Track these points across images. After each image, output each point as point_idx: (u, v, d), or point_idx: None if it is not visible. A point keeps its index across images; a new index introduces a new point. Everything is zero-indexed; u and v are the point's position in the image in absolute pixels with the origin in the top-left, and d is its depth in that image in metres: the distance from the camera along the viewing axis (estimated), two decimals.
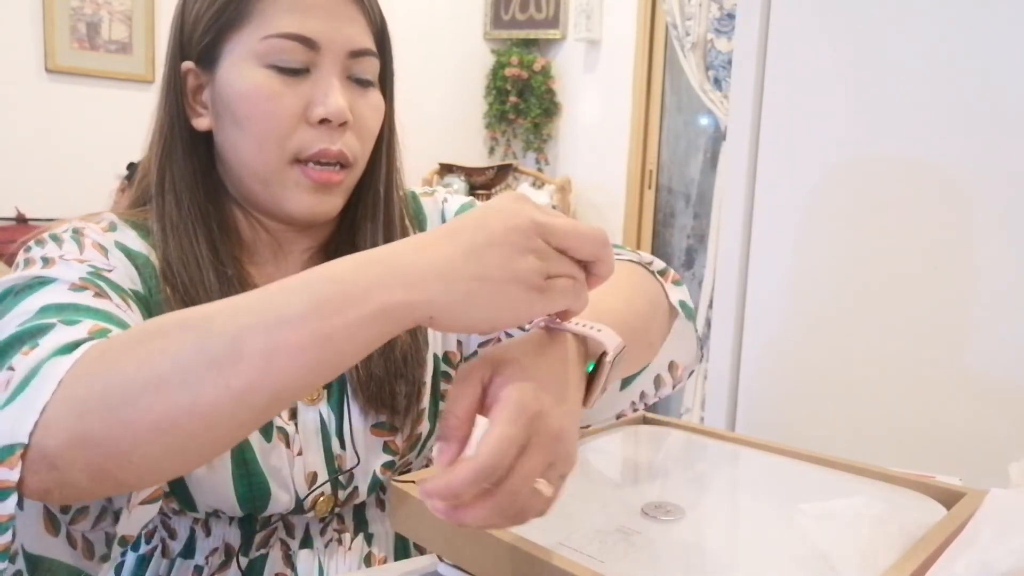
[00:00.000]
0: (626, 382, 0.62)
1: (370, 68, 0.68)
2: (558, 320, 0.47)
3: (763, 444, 0.70)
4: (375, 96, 0.69)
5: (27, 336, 0.47)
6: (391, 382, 0.67)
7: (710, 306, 2.71)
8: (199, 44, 0.65)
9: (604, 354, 0.46)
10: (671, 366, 0.64)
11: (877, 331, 1.00)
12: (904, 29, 0.96)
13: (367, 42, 0.67)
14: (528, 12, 3.66)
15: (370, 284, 0.40)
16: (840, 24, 1.02)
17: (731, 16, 2.65)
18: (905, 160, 0.97)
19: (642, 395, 0.64)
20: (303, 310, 0.40)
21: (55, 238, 0.61)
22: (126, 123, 2.70)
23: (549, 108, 3.67)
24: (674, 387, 0.66)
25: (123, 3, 2.86)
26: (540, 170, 3.72)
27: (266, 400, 0.41)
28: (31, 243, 0.61)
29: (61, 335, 0.46)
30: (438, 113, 3.62)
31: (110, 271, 0.59)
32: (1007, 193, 0.88)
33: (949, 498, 0.58)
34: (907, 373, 0.97)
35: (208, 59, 0.65)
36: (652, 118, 3.29)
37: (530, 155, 3.80)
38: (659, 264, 0.65)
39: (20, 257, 0.60)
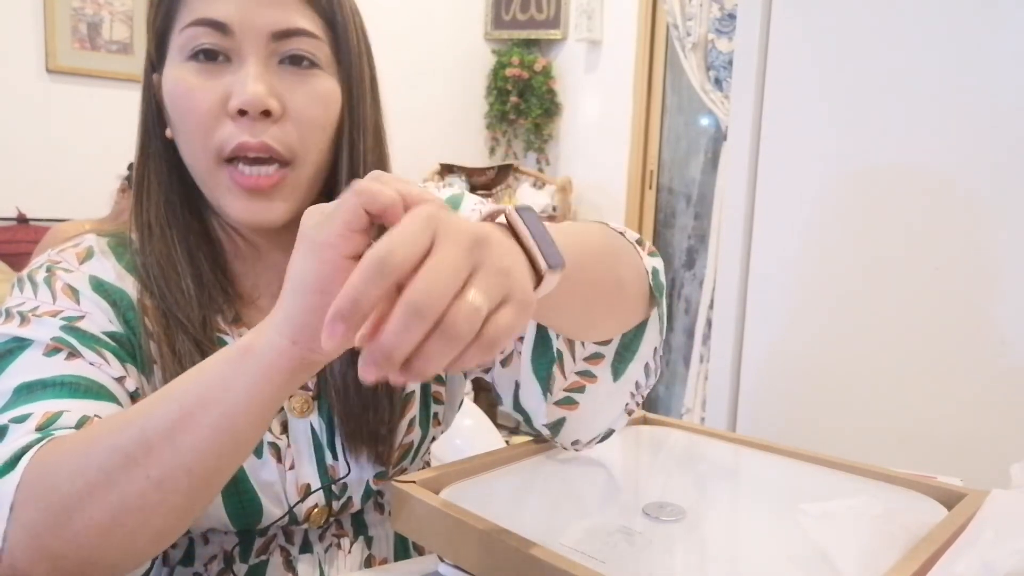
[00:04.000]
0: (618, 372, 0.60)
1: (306, 48, 0.61)
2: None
3: (764, 444, 0.70)
4: (318, 81, 0.62)
5: None
6: (369, 420, 0.66)
7: (711, 307, 2.71)
8: (154, 52, 0.64)
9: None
10: (654, 352, 0.63)
11: (878, 332, 1.00)
12: (905, 29, 0.96)
13: (296, 21, 0.60)
14: (529, 12, 3.66)
15: (239, 343, 0.45)
16: (841, 24, 1.02)
17: (732, 16, 2.65)
18: (906, 160, 0.96)
19: (637, 385, 0.63)
20: (191, 386, 0.45)
21: (32, 282, 0.62)
22: (127, 123, 2.68)
23: (550, 108, 3.67)
24: (656, 374, 0.65)
25: (124, 3, 2.86)
26: (541, 170, 3.72)
27: (185, 480, 0.45)
28: (15, 282, 0.63)
29: (8, 443, 0.50)
30: (439, 113, 3.61)
31: (82, 317, 0.59)
32: (1009, 194, 0.88)
33: (950, 499, 0.57)
34: (908, 374, 0.97)
35: (160, 65, 0.64)
36: (653, 118, 3.29)
37: (531, 155, 3.80)
38: (634, 234, 0.62)
39: (6, 301, 0.61)
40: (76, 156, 2.80)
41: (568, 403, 0.62)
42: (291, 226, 0.66)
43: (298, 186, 0.63)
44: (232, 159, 0.60)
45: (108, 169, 2.76)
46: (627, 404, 0.64)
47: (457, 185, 3.44)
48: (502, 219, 0.42)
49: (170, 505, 0.45)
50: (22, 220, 2.69)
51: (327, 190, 0.66)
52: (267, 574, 0.67)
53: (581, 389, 0.61)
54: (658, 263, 0.61)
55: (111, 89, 2.86)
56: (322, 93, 0.62)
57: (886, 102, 0.98)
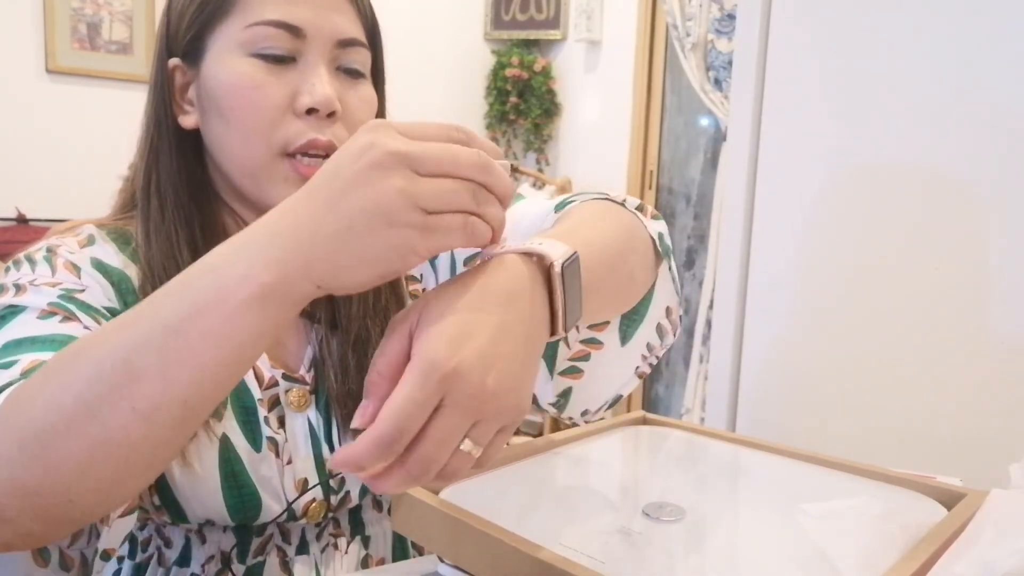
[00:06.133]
0: (627, 335, 0.60)
1: (360, 59, 0.66)
2: (494, 248, 0.43)
3: (764, 444, 0.70)
4: (366, 88, 0.67)
5: None
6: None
7: (711, 307, 2.71)
8: (184, 39, 0.64)
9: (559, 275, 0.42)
10: (667, 312, 0.63)
11: (877, 332, 1.00)
12: (905, 29, 0.96)
13: (356, 32, 0.65)
14: (528, 12, 3.66)
15: (243, 270, 0.39)
16: (840, 24, 1.02)
17: (731, 17, 2.65)
18: (906, 160, 0.96)
19: (649, 347, 0.62)
20: (185, 312, 0.39)
21: (29, 260, 0.61)
22: (127, 123, 2.68)
23: (549, 109, 3.67)
24: (674, 334, 0.64)
25: (124, 3, 2.86)
26: (541, 171, 3.72)
27: (179, 412, 0.40)
28: (10, 264, 0.61)
29: None
30: (438, 113, 3.61)
31: (82, 291, 0.59)
32: (1009, 194, 0.88)
33: (950, 499, 0.57)
34: (907, 374, 0.97)
35: (194, 54, 0.64)
36: (652, 118, 3.29)
37: (530, 155, 3.80)
38: (634, 201, 0.62)
39: (1, 279, 0.60)
40: (76, 156, 2.79)
41: (573, 372, 0.62)
42: None
43: None
44: (293, 153, 0.62)
45: (108, 169, 2.75)
46: (638, 367, 0.63)
47: None
48: (543, 250, 0.43)
49: (159, 439, 0.41)
50: (22, 220, 2.68)
51: None
52: (264, 575, 0.67)
53: (586, 357, 0.61)
54: (662, 227, 0.62)
55: (111, 89, 2.86)
56: (367, 99, 0.67)
57: (886, 102, 0.98)
